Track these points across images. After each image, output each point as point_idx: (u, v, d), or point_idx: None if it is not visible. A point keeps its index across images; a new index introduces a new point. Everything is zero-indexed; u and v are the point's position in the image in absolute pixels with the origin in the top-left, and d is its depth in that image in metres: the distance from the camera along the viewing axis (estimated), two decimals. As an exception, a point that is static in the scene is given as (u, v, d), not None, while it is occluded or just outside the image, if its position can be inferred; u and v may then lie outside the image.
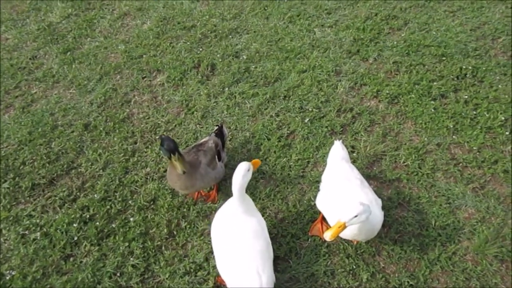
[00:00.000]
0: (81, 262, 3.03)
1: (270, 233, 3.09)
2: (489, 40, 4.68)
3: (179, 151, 2.80)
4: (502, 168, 3.48)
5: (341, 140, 3.22)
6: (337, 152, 3.06)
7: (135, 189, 3.48)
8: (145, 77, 4.49)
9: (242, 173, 2.54)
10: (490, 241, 3.01)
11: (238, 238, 2.59)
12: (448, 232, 3.10)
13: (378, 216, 2.69)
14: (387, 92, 4.12)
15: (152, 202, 3.37)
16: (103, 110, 4.14)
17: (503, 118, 3.83)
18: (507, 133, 3.73)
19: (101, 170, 3.61)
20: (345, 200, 2.64)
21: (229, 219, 2.69)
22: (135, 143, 3.83)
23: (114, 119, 4.03)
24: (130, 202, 3.37)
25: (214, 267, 2.94)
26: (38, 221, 3.26)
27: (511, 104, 3.96)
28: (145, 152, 3.75)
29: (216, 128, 3.41)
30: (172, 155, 2.78)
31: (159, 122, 3.99)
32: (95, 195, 3.40)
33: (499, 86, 4.15)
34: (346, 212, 2.44)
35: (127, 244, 3.10)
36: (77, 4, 5.49)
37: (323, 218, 3.12)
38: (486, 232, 3.07)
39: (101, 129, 3.94)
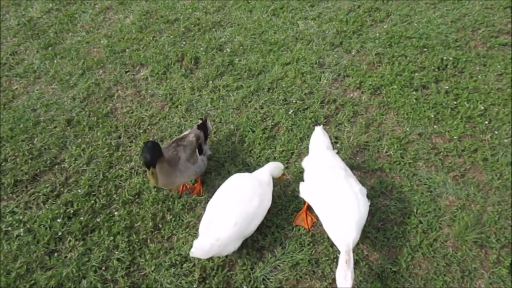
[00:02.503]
0: (65, 257, 3.01)
1: (254, 224, 3.13)
2: (469, 32, 4.76)
3: (155, 163, 2.74)
4: (481, 157, 3.55)
5: (321, 126, 3.24)
6: (319, 138, 3.07)
7: (120, 183, 3.46)
8: (128, 71, 4.46)
9: (278, 170, 3.09)
10: (470, 228, 3.09)
11: (231, 195, 2.82)
12: (430, 220, 3.16)
13: (363, 212, 2.71)
14: (370, 83, 4.16)
15: (137, 196, 3.37)
16: (86, 105, 4.11)
17: (482, 108, 3.91)
18: (486, 122, 3.80)
19: (85, 165, 3.59)
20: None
21: (245, 179, 2.92)
22: (119, 137, 3.81)
23: (97, 114, 4.00)
24: (114, 196, 3.36)
25: (200, 258, 2.96)
26: (21, 217, 3.23)
27: (490, 94, 4.04)
28: (129, 146, 3.74)
29: (200, 121, 3.39)
30: (147, 169, 2.74)
31: (143, 116, 3.98)
32: (79, 190, 3.38)
33: (479, 76, 4.23)
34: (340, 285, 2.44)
35: (112, 238, 3.09)
36: (58, -1, 5.42)
37: (308, 208, 3.16)
38: (466, 219, 3.14)
39: (84, 124, 3.91)
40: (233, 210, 2.70)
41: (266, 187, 2.92)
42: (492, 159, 3.53)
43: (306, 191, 2.99)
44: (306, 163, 3.09)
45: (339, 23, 4.90)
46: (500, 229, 3.10)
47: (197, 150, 3.16)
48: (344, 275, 2.42)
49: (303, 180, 3.10)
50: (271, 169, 3.01)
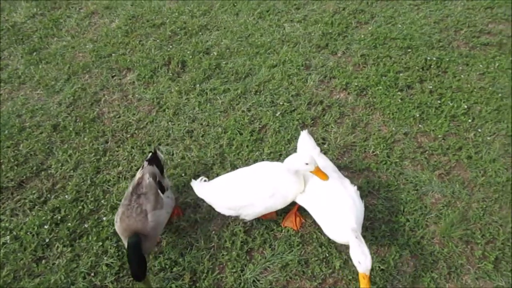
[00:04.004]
0: (53, 264, 2.98)
1: (244, 226, 3.14)
2: (452, 32, 4.85)
3: (146, 273, 2.50)
4: (466, 154, 3.62)
5: (307, 130, 3.26)
6: (306, 142, 3.10)
7: (108, 188, 3.44)
8: (114, 75, 4.44)
9: (295, 163, 2.71)
10: (456, 224, 3.14)
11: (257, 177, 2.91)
12: (416, 218, 3.21)
13: (360, 209, 2.74)
14: (356, 84, 4.21)
15: (125, 201, 3.35)
16: (72, 110, 4.08)
17: (466, 107, 3.98)
18: (469, 120, 3.87)
19: (71, 171, 3.56)
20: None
21: (271, 169, 2.92)
22: (106, 142, 3.79)
23: (84, 119, 3.97)
24: (102, 201, 3.34)
25: (189, 262, 2.96)
26: (7, 225, 3.19)
27: (473, 93, 4.12)
28: (117, 151, 3.72)
29: (150, 154, 2.97)
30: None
31: (130, 120, 3.96)
32: (66, 196, 3.36)
33: (462, 76, 4.30)
34: (362, 263, 2.42)
35: (100, 243, 3.07)
36: (42, 4, 5.38)
37: (298, 209, 3.17)
38: (452, 216, 3.19)
39: (71, 129, 3.88)
40: (240, 186, 2.89)
41: (282, 185, 2.84)
42: (476, 157, 3.60)
43: (301, 196, 2.98)
44: None
45: (324, 25, 4.95)
46: (485, 225, 3.16)
47: (158, 191, 2.81)
48: (361, 250, 2.44)
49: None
50: (287, 166, 2.76)
